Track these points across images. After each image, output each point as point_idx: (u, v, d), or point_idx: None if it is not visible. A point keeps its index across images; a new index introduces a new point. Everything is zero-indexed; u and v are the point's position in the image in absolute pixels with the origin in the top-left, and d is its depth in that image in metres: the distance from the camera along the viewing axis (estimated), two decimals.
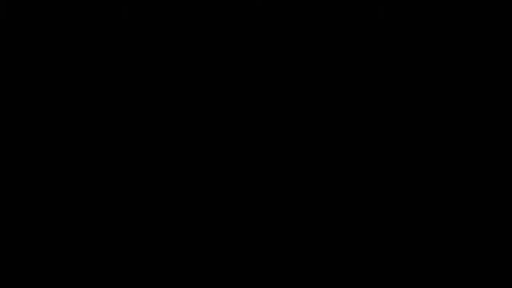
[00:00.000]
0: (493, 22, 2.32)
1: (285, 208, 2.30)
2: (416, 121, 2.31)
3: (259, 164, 2.32)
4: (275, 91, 2.34)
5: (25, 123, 2.32)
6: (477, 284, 2.24)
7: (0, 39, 2.33)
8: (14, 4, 2.34)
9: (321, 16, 2.35)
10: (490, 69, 2.32)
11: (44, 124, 2.32)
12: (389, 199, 2.29)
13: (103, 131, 2.32)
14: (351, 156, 2.31)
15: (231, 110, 2.33)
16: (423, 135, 2.31)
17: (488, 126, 2.31)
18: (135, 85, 2.34)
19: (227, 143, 2.32)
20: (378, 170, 2.30)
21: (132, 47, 2.34)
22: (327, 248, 2.28)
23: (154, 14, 2.35)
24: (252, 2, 2.34)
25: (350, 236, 2.29)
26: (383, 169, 2.30)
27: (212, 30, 2.35)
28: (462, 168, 2.29)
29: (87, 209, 2.30)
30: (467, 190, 2.28)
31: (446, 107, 2.31)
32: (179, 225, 2.30)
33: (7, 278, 2.26)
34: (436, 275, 2.26)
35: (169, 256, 2.28)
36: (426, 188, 2.29)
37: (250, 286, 2.27)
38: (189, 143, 2.32)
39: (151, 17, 2.35)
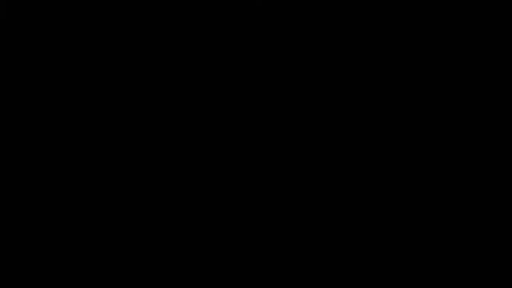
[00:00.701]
0: (493, 22, 2.33)
1: (284, 208, 2.31)
2: (416, 120, 2.31)
3: (258, 164, 2.32)
4: (274, 90, 2.34)
5: (25, 123, 2.32)
6: (477, 284, 2.25)
7: (0, 39, 2.33)
8: (14, 4, 2.34)
9: (321, 16, 2.35)
10: (490, 68, 2.32)
11: (44, 124, 2.32)
12: (388, 198, 2.30)
13: (103, 131, 2.32)
14: (350, 155, 2.32)
15: (231, 110, 2.33)
16: (422, 135, 2.31)
17: (486, 125, 2.31)
18: (135, 85, 2.34)
19: (227, 143, 2.33)
20: (376, 169, 2.31)
21: (132, 47, 2.34)
22: (327, 248, 2.29)
23: (154, 14, 2.35)
24: (252, 2, 2.35)
25: (350, 235, 2.29)
26: (381, 168, 2.31)
27: (212, 30, 2.35)
28: (461, 167, 2.30)
29: (87, 209, 2.30)
30: (467, 189, 2.29)
31: (446, 106, 2.32)
32: (179, 225, 2.30)
33: (7, 278, 2.26)
34: (436, 275, 2.26)
35: (169, 256, 2.29)
36: (425, 187, 2.30)
37: (250, 286, 2.27)
38: (189, 142, 2.33)
39: (151, 17, 2.35)
